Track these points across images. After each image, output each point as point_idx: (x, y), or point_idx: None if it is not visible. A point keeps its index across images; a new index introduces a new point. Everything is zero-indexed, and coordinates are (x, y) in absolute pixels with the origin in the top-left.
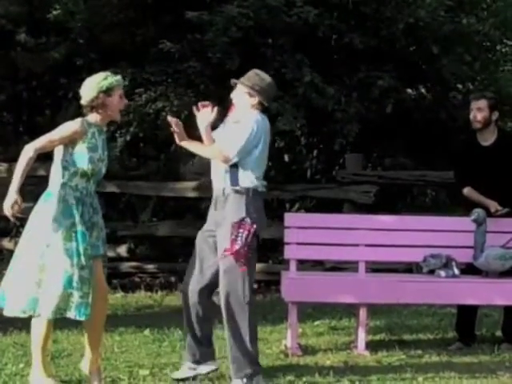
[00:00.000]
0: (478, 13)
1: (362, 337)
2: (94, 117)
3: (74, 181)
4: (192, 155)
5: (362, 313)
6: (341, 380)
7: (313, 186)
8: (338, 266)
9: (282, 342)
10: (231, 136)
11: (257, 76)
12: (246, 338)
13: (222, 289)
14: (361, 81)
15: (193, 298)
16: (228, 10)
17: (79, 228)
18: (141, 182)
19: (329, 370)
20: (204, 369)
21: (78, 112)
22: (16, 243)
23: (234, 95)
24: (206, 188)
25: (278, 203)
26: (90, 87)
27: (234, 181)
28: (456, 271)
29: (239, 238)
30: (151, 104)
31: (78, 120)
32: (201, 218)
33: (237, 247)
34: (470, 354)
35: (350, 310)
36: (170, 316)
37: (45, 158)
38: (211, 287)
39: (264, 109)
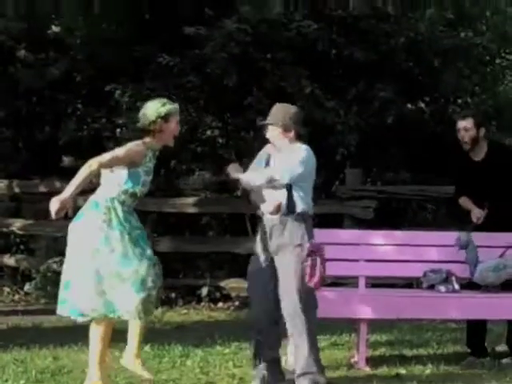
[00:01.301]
0: (476, 26)
1: (362, 352)
2: (149, 141)
3: (122, 198)
4: (191, 170)
5: (363, 328)
6: None
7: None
8: (337, 282)
9: (282, 357)
10: (284, 163)
11: (282, 109)
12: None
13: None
14: (360, 94)
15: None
16: (226, 26)
17: (139, 232)
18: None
19: None
20: None
21: (78, 128)
22: (16, 260)
23: (269, 136)
24: (206, 204)
25: None
26: (150, 112)
27: (292, 207)
28: (456, 286)
29: (317, 266)
30: None
31: (141, 143)
32: (200, 233)
33: (318, 276)
34: (471, 369)
35: (351, 326)
36: (171, 332)
37: (44, 175)
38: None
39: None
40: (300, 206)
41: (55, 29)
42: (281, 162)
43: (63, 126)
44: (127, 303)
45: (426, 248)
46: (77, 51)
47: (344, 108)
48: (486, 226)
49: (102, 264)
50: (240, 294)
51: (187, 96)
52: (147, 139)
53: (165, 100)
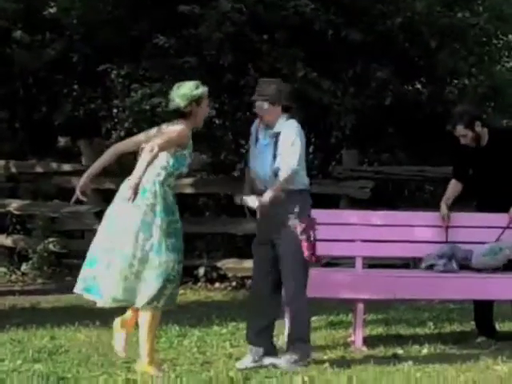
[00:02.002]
0: (473, 7)
1: (359, 332)
2: (187, 123)
3: (169, 181)
4: None
5: (360, 308)
6: (338, 375)
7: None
8: (334, 262)
9: (278, 336)
10: (284, 150)
11: (264, 84)
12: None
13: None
14: (357, 75)
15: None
16: (221, 5)
17: (178, 225)
18: None
19: (326, 364)
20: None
21: (74, 108)
22: (13, 240)
23: (258, 110)
24: (202, 184)
25: None
26: (183, 96)
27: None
28: (455, 266)
29: (312, 240)
30: (147, 100)
31: (184, 126)
32: (197, 214)
33: (311, 250)
34: (467, 349)
35: (348, 306)
36: (168, 312)
37: (40, 155)
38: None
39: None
40: (297, 181)
41: (51, 9)
42: (277, 149)
43: (59, 106)
44: (146, 290)
45: (423, 228)
46: (73, 32)
47: (341, 89)
48: (489, 210)
49: (138, 248)
50: (237, 275)
51: (183, 77)
52: (182, 121)
53: (197, 83)
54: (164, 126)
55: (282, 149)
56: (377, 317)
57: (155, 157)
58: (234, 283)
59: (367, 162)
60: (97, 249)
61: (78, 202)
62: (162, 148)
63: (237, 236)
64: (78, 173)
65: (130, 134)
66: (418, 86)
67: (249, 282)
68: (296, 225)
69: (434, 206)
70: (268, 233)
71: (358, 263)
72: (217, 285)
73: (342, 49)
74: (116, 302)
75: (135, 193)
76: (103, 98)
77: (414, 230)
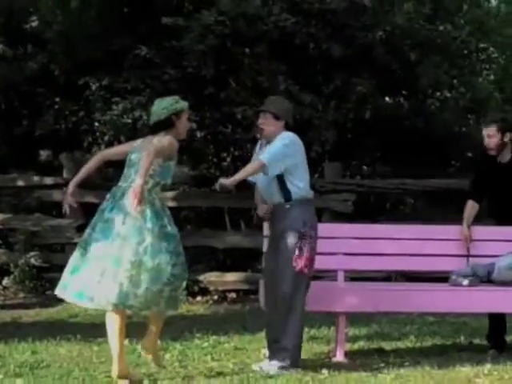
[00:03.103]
0: (454, 20)
1: (341, 345)
2: (163, 135)
3: (156, 189)
4: None
5: (341, 321)
6: None
7: None
8: (316, 275)
9: (261, 350)
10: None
11: (276, 100)
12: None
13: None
14: (338, 88)
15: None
16: (204, 17)
17: (169, 229)
18: None
19: (308, 378)
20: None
21: (55, 121)
22: None
23: (261, 122)
24: (184, 197)
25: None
26: (163, 109)
27: (287, 195)
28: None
29: (303, 252)
30: (128, 113)
31: (170, 136)
32: (179, 227)
33: (303, 262)
34: (449, 362)
35: (329, 319)
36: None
37: (21, 169)
38: None
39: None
40: (296, 193)
41: (33, 23)
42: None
43: (41, 119)
44: (142, 294)
45: (405, 241)
46: (55, 45)
47: (322, 103)
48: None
49: (132, 253)
50: (218, 288)
51: (164, 88)
52: (163, 134)
53: (177, 97)
54: (150, 137)
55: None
56: (359, 330)
57: (153, 161)
58: (215, 297)
59: (349, 175)
60: (87, 257)
61: (62, 215)
62: (157, 154)
63: (218, 249)
64: (60, 186)
65: (110, 147)
66: (400, 98)
67: (230, 295)
68: (292, 237)
69: (415, 218)
70: (272, 242)
71: (340, 276)
72: (198, 298)
73: (323, 62)
74: (110, 305)
75: (139, 200)
76: (85, 111)
77: (395, 242)
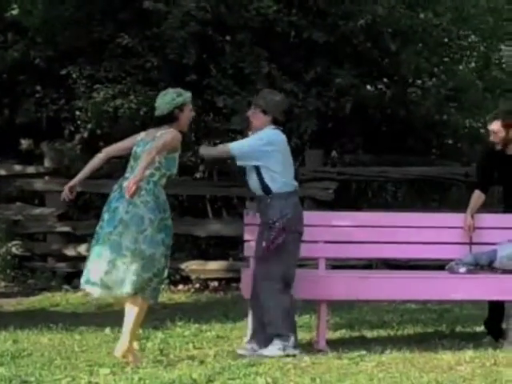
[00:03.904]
0: (435, 8)
1: (322, 333)
2: (169, 128)
3: (162, 180)
4: None
5: (323, 309)
6: (302, 376)
7: None
8: (297, 263)
9: (243, 339)
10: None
11: (268, 95)
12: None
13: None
14: (319, 77)
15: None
16: (185, 2)
17: (169, 222)
18: (103, 180)
19: (289, 366)
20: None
21: (36, 110)
22: None
23: (250, 114)
24: (165, 185)
25: (238, 201)
26: (166, 104)
27: (266, 189)
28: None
29: (265, 240)
30: (110, 101)
31: (176, 131)
32: None
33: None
34: (431, 349)
35: (311, 307)
36: None
37: (2, 157)
38: None
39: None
40: (274, 186)
41: (13, 11)
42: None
43: (22, 108)
44: (133, 280)
45: (386, 229)
46: (35, 33)
47: (302, 91)
48: None
49: (131, 240)
50: (200, 276)
51: (146, 77)
52: (167, 127)
53: (180, 90)
54: (153, 130)
55: None
56: (340, 318)
57: (153, 159)
58: (197, 285)
59: (330, 164)
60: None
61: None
62: (158, 151)
63: (200, 237)
64: (41, 175)
65: (92, 135)
66: (381, 86)
67: (212, 283)
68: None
69: (396, 206)
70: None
71: (321, 264)
72: (180, 287)
73: (304, 50)
74: (103, 287)
75: (135, 189)
76: (66, 100)
77: (376, 230)
